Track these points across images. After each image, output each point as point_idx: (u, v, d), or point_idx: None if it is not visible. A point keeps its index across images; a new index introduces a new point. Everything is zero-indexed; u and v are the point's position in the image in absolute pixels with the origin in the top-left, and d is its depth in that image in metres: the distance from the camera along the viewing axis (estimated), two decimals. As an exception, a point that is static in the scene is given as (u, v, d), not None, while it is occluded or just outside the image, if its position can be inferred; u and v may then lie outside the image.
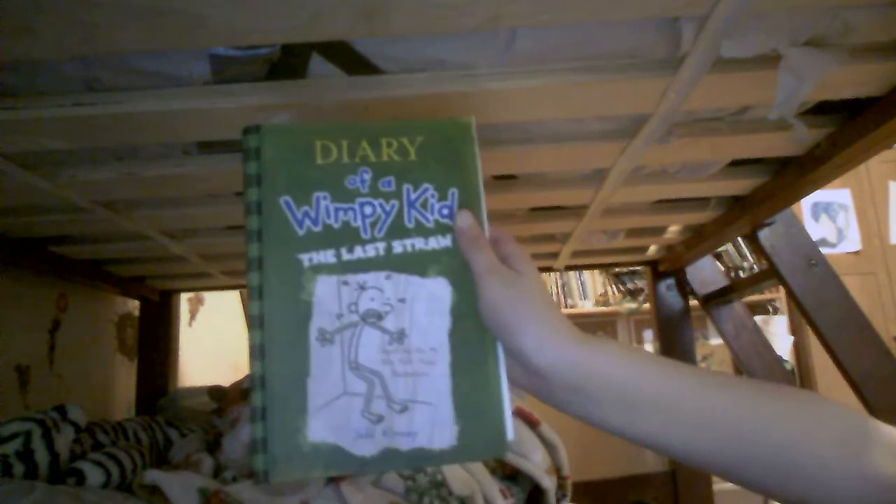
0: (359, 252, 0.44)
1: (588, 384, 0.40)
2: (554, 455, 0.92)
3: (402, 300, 0.44)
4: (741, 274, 3.16)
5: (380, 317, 0.44)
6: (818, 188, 0.88)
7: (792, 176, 0.86)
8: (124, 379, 1.47)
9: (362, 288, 0.44)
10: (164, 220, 0.96)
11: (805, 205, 3.13)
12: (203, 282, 1.50)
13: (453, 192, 0.46)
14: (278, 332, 0.42)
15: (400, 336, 0.43)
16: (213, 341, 1.92)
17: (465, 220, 0.45)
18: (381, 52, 0.55)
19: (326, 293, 0.43)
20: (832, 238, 3.11)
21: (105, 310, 1.41)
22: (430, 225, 0.45)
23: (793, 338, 3.06)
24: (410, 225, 0.45)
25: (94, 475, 0.77)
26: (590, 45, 0.55)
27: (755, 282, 1.29)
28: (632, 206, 1.08)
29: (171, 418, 1.20)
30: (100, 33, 0.46)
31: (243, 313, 2.17)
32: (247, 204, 0.44)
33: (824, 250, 1.60)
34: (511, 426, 0.44)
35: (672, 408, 0.39)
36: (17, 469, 0.73)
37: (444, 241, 0.45)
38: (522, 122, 0.70)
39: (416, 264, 0.44)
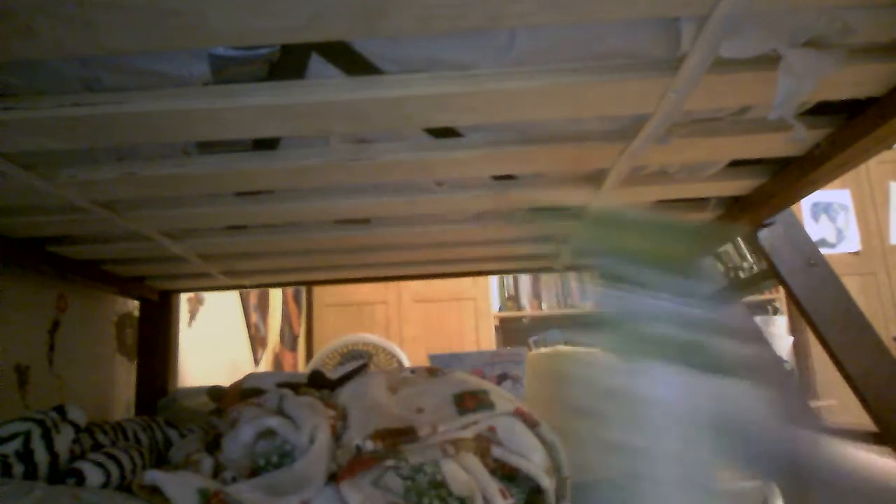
0: None
1: None
2: (554, 455, 0.92)
3: None
4: (741, 274, 3.16)
5: None
6: (818, 188, 0.88)
7: (792, 176, 0.86)
8: (124, 379, 1.47)
9: None
10: (164, 220, 0.96)
11: (805, 205, 3.13)
12: (203, 282, 1.49)
13: None
14: None
15: None
16: (213, 341, 1.92)
17: None
18: (381, 52, 0.55)
19: None
20: (832, 238, 3.12)
21: (105, 310, 1.41)
22: None
23: (793, 338, 3.06)
24: None
25: (93, 475, 0.77)
26: (590, 45, 0.55)
27: (755, 282, 1.29)
28: (632, 206, 1.08)
29: (171, 418, 1.20)
30: (100, 33, 0.46)
31: (243, 313, 2.17)
32: None
33: (824, 250, 1.60)
34: None
35: None
36: (17, 469, 0.72)
37: None
38: (522, 122, 0.70)
39: None
